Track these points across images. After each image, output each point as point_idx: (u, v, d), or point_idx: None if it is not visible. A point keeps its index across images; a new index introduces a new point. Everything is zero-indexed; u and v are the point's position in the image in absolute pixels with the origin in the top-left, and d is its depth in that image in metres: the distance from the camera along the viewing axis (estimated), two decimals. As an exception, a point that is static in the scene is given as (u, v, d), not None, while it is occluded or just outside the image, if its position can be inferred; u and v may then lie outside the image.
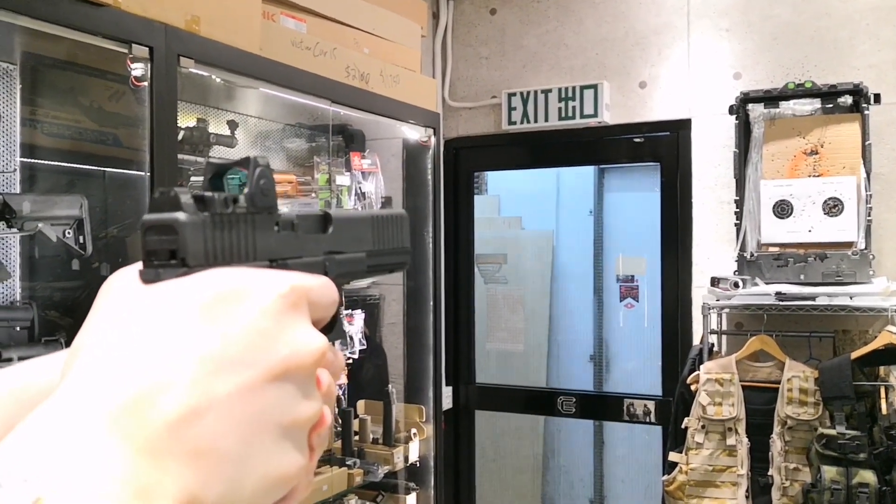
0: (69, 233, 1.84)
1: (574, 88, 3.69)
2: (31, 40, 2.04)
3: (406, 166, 3.39)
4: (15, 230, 1.73)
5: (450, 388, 3.88)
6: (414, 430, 3.10)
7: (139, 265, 0.46)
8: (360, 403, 3.16)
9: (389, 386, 3.07)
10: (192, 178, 2.38)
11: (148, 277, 0.45)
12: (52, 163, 2.23)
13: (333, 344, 0.57)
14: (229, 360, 0.41)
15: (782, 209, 3.19)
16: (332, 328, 0.56)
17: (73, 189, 2.26)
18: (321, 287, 0.49)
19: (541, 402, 4.00)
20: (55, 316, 2.11)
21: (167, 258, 0.45)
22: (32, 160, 2.16)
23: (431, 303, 3.30)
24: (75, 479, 0.35)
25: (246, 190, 0.49)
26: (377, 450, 2.92)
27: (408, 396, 3.27)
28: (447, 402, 3.78)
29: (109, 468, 0.36)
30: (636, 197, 4.58)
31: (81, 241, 1.85)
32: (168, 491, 0.37)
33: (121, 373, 0.39)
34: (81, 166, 2.33)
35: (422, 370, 3.29)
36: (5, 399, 0.47)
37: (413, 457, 3.06)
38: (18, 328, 1.92)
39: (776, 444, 2.94)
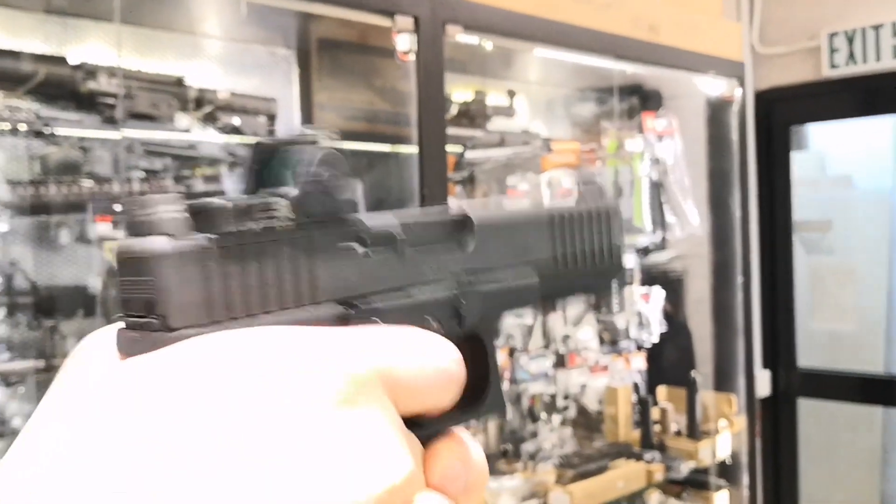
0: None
1: (913, 19, 3.08)
2: (306, 25, 2.04)
3: (709, 125, 3.04)
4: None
5: (767, 373, 3.47)
6: (723, 422, 2.77)
7: (100, 332, 0.29)
8: (661, 390, 2.88)
9: (694, 371, 2.77)
10: (467, 155, 2.26)
11: (121, 345, 0.27)
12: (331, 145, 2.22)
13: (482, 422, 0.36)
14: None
15: None
16: (479, 401, 0.35)
17: (368, 171, 2.24)
18: (422, 359, 0.28)
19: (878, 389, 3.45)
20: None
21: (143, 312, 0.27)
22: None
23: (741, 278, 2.93)
24: None
25: (291, 190, 0.29)
26: (680, 443, 2.64)
27: (717, 384, 2.94)
28: (764, 389, 3.38)
29: None
30: None
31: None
32: None
33: None
34: (359, 147, 2.31)
35: (731, 354, 2.94)
36: None
37: (722, 452, 2.74)
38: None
39: None
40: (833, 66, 3.28)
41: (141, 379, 0.25)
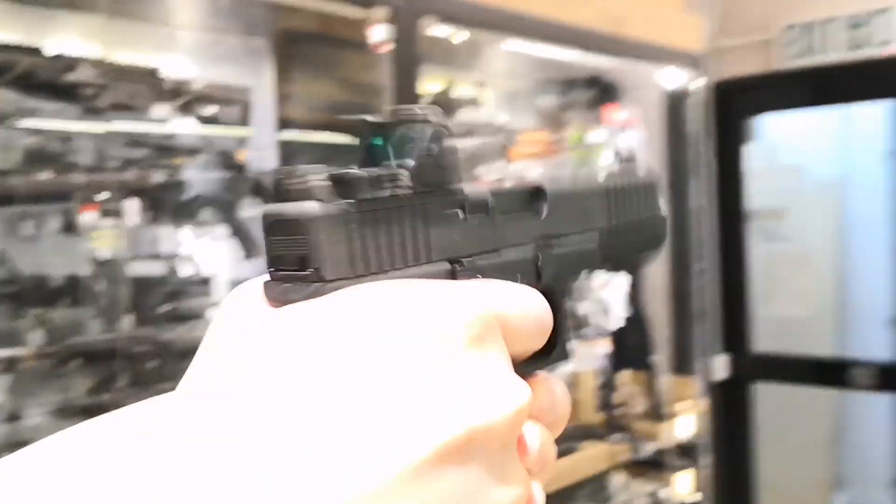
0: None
1: (865, 13, 3.19)
2: (278, 15, 2.05)
3: (667, 116, 3.12)
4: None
5: (724, 358, 3.57)
6: (684, 405, 2.86)
7: (249, 284, 0.33)
8: (624, 374, 2.97)
9: (653, 356, 2.85)
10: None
11: (273, 295, 0.31)
12: (303, 136, 2.24)
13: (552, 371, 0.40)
14: (382, 438, 0.26)
15: None
16: (551, 350, 0.38)
17: (330, 163, 2.26)
18: (525, 307, 0.33)
19: (830, 372, 3.58)
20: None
21: (296, 266, 0.31)
22: (287, 135, 2.19)
23: (698, 265, 3.02)
24: None
25: (411, 161, 0.34)
26: (643, 425, 2.72)
27: (676, 368, 3.03)
28: (721, 373, 3.48)
29: None
30: (946, 135, 3.92)
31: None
32: None
33: (240, 463, 0.26)
34: (329, 139, 2.33)
35: (690, 339, 3.03)
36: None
37: (683, 433, 2.83)
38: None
39: None
40: (788, 58, 3.38)
41: (306, 321, 0.29)
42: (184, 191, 1.72)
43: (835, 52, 3.27)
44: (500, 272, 0.37)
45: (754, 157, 3.73)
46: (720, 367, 3.46)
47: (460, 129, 2.45)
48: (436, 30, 1.96)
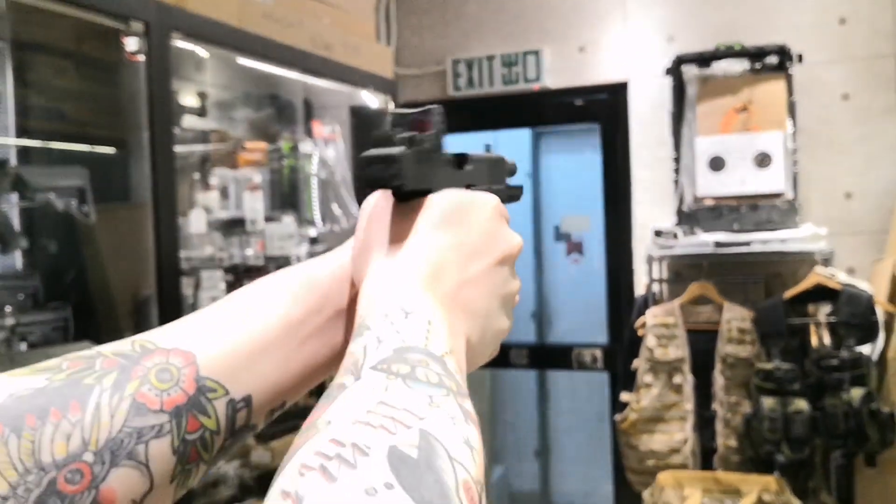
0: (73, 202, 1.91)
1: (517, 54, 3.84)
2: (23, 20, 2.07)
3: (359, 133, 3.49)
4: (26, 202, 1.78)
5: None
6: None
7: (379, 192, 0.59)
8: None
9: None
10: (175, 149, 2.44)
11: (387, 197, 0.58)
12: (39, 144, 2.24)
13: None
14: (475, 251, 0.57)
15: (716, 164, 3.43)
16: None
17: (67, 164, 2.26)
18: (504, 207, 0.65)
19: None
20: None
21: (388, 182, 0.56)
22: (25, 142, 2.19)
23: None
24: (422, 312, 0.49)
25: (433, 131, 0.60)
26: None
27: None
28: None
29: (432, 310, 0.50)
30: (574, 158, 4.77)
31: (85, 209, 1.92)
32: (460, 331, 0.53)
33: (416, 259, 0.54)
34: (70, 147, 2.34)
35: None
36: (302, 287, 0.60)
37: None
38: (22, 296, 1.98)
39: (718, 381, 3.20)
40: (456, 88, 3.94)
41: (430, 203, 0.57)
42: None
43: (494, 85, 3.89)
44: None
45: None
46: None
47: (187, 136, 2.61)
48: (181, 44, 2.13)
